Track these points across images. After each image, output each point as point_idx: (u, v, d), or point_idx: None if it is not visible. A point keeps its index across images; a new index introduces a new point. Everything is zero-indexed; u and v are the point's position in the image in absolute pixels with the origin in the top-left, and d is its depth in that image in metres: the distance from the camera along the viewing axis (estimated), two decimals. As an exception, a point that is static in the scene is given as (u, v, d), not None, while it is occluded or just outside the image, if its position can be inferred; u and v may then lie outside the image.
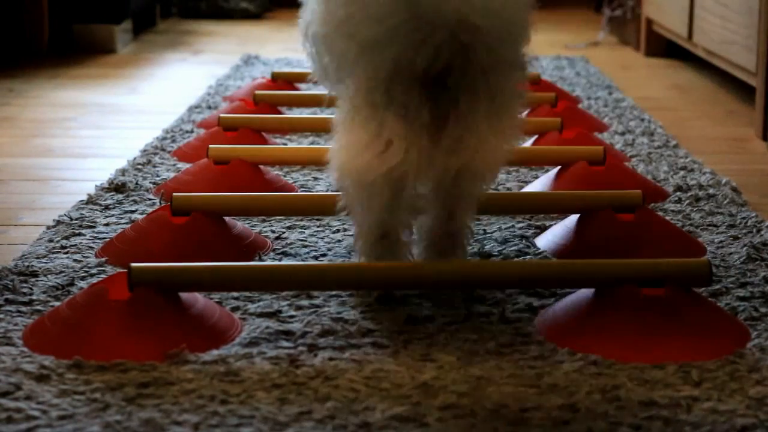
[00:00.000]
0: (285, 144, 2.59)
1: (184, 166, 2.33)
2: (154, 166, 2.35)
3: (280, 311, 1.56)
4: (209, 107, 2.98)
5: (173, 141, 2.58)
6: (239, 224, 1.87)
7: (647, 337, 1.43)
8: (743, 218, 2.00)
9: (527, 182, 2.25)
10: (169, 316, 1.45)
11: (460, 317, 1.54)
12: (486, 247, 1.85)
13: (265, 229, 1.94)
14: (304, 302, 1.60)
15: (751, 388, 1.33)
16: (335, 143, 1.51)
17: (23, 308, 1.56)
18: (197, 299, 1.51)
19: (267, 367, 1.38)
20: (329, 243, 1.88)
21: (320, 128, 2.61)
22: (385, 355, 1.42)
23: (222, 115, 2.52)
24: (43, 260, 1.76)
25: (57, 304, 1.56)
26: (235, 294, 1.61)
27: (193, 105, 3.01)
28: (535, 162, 2.29)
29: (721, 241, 1.89)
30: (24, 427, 1.22)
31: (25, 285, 1.64)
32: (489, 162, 1.51)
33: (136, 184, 2.20)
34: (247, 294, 1.61)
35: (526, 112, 2.75)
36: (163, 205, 1.94)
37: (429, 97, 1.42)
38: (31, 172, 2.38)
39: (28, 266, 1.71)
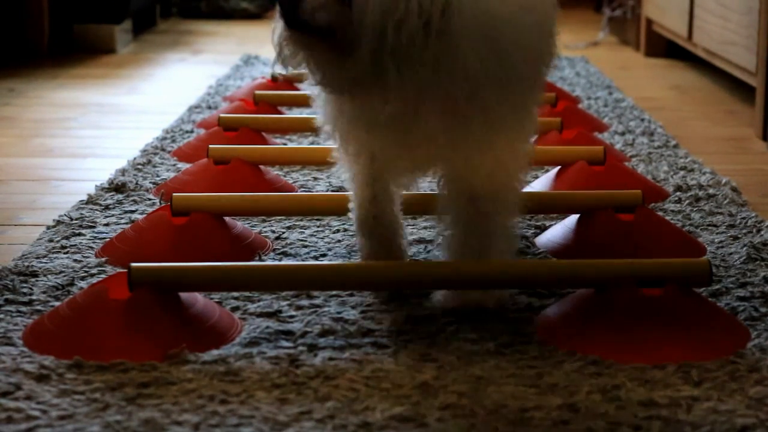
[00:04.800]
0: (285, 144, 2.59)
1: (184, 166, 2.33)
2: (154, 166, 2.35)
3: (280, 311, 1.56)
4: (209, 107, 2.97)
5: (173, 141, 2.58)
6: (239, 224, 1.87)
7: (647, 337, 1.43)
8: (743, 218, 2.00)
9: (527, 182, 2.25)
10: (169, 316, 1.45)
11: (460, 317, 1.54)
12: (486, 247, 1.85)
13: (265, 229, 1.94)
14: (304, 302, 1.60)
15: (751, 388, 1.33)
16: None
17: (23, 308, 1.56)
18: (197, 299, 1.51)
19: (267, 367, 1.38)
20: (329, 243, 1.88)
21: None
22: (385, 355, 1.42)
23: (222, 115, 2.52)
24: (43, 260, 1.76)
25: (57, 304, 1.56)
26: (235, 294, 1.61)
27: (193, 105, 3.01)
28: (535, 162, 2.28)
29: (721, 241, 1.89)
30: (24, 427, 1.22)
31: (25, 285, 1.64)
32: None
33: (136, 184, 2.20)
34: (247, 294, 1.61)
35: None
36: (163, 205, 1.94)
37: None
38: (31, 172, 2.38)
39: (28, 266, 1.71)
